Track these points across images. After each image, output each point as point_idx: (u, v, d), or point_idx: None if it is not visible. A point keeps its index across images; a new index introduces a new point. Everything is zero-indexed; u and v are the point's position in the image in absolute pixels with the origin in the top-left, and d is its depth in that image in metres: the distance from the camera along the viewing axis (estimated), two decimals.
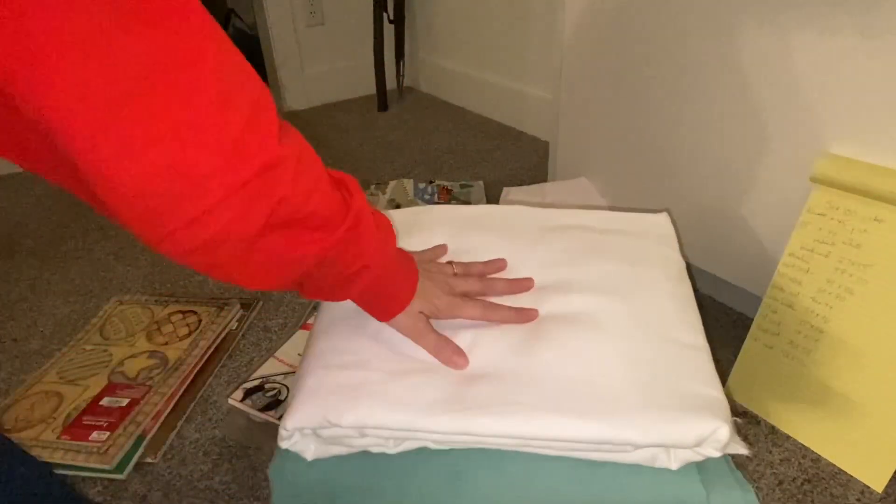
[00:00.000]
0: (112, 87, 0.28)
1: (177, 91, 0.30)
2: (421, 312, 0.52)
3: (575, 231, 0.67)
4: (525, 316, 0.55)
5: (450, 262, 0.59)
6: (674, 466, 0.48)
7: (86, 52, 0.27)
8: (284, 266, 0.41)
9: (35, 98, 0.28)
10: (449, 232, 0.66)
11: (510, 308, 0.55)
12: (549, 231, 0.67)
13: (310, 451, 0.50)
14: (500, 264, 0.61)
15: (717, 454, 0.47)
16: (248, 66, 0.35)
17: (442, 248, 0.63)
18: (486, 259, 0.62)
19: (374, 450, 0.50)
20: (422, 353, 0.53)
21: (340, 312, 0.57)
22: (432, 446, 0.49)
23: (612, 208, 1.10)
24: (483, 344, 0.53)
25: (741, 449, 0.48)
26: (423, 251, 0.61)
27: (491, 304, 0.56)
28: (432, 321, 0.54)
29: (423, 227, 0.67)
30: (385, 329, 0.54)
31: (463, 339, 0.53)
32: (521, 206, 0.71)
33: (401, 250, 0.52)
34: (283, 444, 0.50)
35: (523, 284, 0.59)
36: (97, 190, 0.31)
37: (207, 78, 0.31)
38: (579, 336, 0.53)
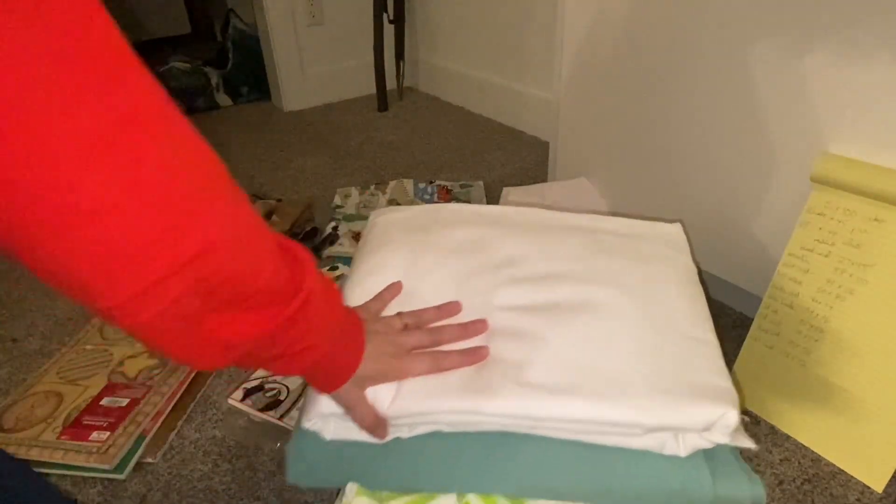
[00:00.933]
0: (62, 150, 0.26)
1: (125, 157, 0.28)
2: (365, 379, 0.50)
3: (590, 232, 0.69)
4: (474, 357, 0.53)
5: (399, 314, 0.56)
6: (683, 453, 0.49)
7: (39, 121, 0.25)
8: (229, 347, 0.38)
9: None
10: (468, 230, 0.68)
11: (460, 353, 0.54)
12: (564, 230, 0.69)
13: (329, 430, 0.52)
14: (452, 308, 0.59)
15: (725, 440, 0.48)
16: (196, 135, 0.33)
17: (395, 288, 0.60)
18: (501, 255, 0.63)
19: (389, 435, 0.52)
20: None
21: (353, 299, 0.59)
22: (445, 429, 0.51)
23: (611, 208, 1.10)
24: (494, 328, 0.55)
25: (748, 442, 0.49)
26: (370, 302, 0.58)
27: (439, 354, 0.54)
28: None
29: (443, 225, 0.69)
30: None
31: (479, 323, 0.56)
32: (537, 209, 0.73)
33: (348, 316, 0.49)
34: (307, 425, 0.52)
35: (476, 328, 0.56)
36: (23, 257, 0.29)
37: (156, 144, 0.29)
38: (590, 323, 0.55)
